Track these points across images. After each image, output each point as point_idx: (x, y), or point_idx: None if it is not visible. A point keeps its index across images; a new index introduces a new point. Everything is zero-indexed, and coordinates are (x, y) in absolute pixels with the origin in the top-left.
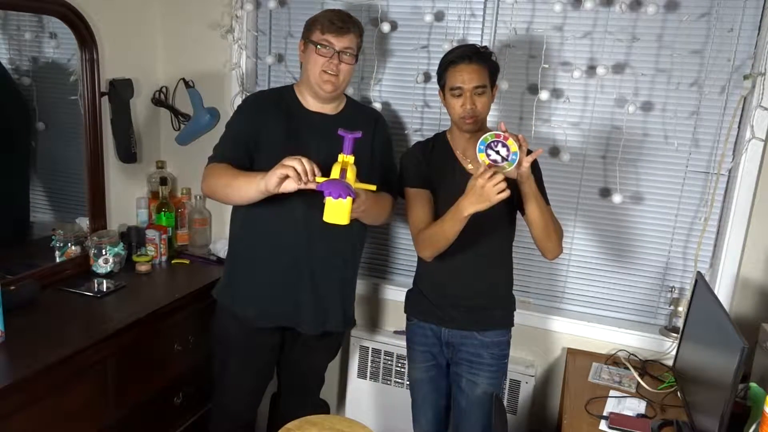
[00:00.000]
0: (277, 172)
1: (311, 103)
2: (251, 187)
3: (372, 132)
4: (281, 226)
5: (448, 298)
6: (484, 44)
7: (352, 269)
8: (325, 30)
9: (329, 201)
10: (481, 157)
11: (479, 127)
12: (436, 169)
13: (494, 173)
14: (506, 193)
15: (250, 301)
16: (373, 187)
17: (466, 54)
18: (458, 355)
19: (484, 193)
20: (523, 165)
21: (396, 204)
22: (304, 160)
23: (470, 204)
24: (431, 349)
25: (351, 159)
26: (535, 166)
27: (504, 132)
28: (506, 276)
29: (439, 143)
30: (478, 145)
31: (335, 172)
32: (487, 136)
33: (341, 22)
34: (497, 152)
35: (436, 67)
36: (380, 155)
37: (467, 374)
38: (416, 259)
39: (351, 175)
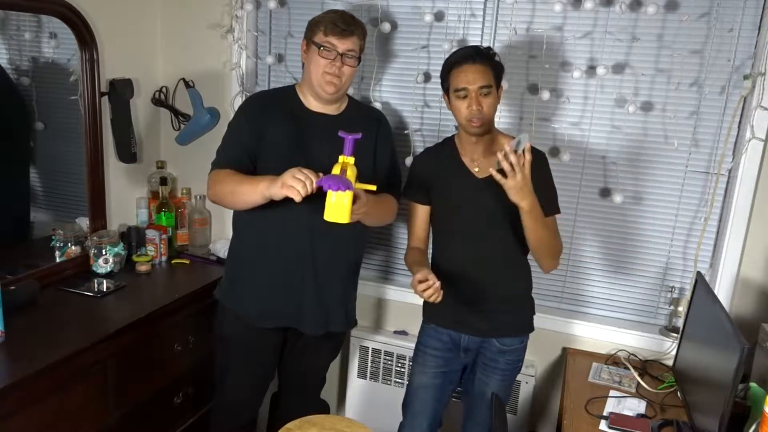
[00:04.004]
0: (282, 192)
1: (313, 104)
2: (257, 194)
3: (375, 133)
4: (284, 226)
5: (467, 304)
6: (486, 45)
7: (355, 269)
8: (328, 32)
9: (329, 199)
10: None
11: (487, 129)
12: (444, 175)
13: (428, 285)
14: (434, 298)
15: (252, 301)
16: (373, 187)
17: (469, 54)
18: (475, 358)
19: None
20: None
21: (399, 205)
22: (306, 172)
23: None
24: (444, 354)
25: (351, 160)
26: (542, 171)
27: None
28: (525, 280)
29: (446, 149)
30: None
31: (335, 172)
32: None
33: (344, 24)
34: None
35: (436, 67)
36: (383, 156)
37: (481, 375)
38: None
39: (351, 175)
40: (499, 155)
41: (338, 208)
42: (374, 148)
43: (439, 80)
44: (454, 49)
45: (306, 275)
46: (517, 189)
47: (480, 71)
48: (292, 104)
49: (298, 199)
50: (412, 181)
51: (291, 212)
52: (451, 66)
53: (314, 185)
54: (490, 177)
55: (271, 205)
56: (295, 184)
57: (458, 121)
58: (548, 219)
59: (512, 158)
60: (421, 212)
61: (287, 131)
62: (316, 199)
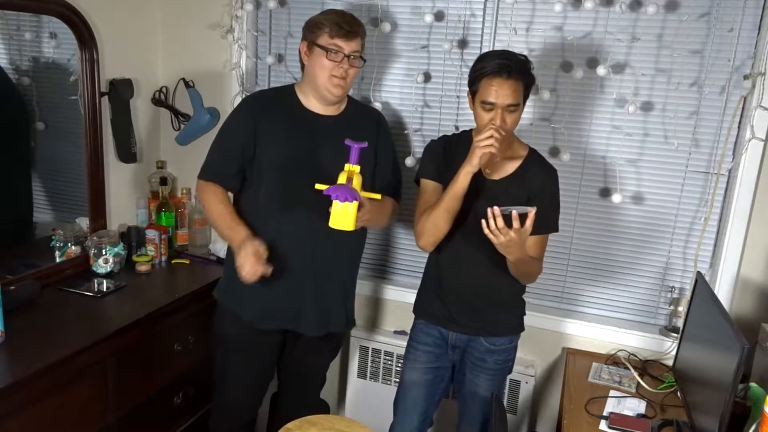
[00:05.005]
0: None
1: (314, 105)
2: (227, 240)
3: (375, 134)
4: (285, 228)
5: (457, 298)
6: (522, 53)
7: (354, 270)
8: (333, 34)
9: (335, 207)
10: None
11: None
12: (456, 167)
13: (491, 134)
14: (491, 149)
15: (252, 302)
16: (378, 197)
17: (504, 68)
18: (463, 356)
19: (473, 150)
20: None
21: (399, 207)
22: (253, 260)
23: (465, 165)
24: (434, 350)
25: (357, 168)
26: (551, 188)
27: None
28: (517, 283)
29: (463, 142)
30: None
31: (341, 180)
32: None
33: (349, 25)
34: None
35: (436, 67)
36: (384, 158)
37: (470, 374)
38: (417, 258)
39: (357, 184)
40: (489, 211)
41: (343, 216)
42: (375, 150)
43: (467, 79)
44: (454, 49)
45: (306, 277)
46: (502, 248)
47: (512, 88)
48: (292, 105)
49: (246, 281)
50: (427, 161)
51: (292, 215)
52: (482, 74)
53: (262, 273)
54: (500, 180)
55: (272, 208)
56: (241, 272)
57: (479, 127)
58: (540, 237)
59: (499, 222)
60: (438, 190)
61: (285, 132)
62: (318, 202)
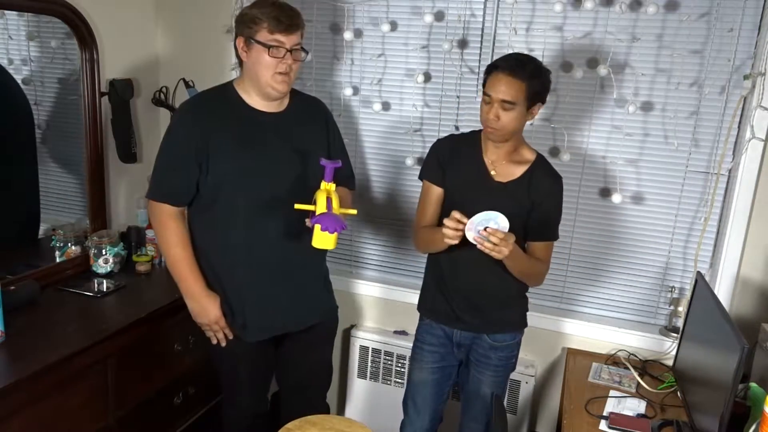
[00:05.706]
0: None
1: (258, 102)
2: (176, 282)
3: (325, 128)
4: (253, 236)
5: (461, 297)
6: (524, 53)
7: (324, 258)
8: (273, 29)
9: (318, 228)
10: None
11: (503, 139)
12: (462, 167)
13: (457, 223)
14: (451, 241)
15: (237, 316)
16: (354, 212)
17: (510, 64)
18: (468, 354)
19: (442, 236)
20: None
21: (355, 193)
22: (218, 333)
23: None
24: (440, 350)
25: (332, 186)
26: (555, 196)
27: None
28: (520, 282)
29: (470, 142)
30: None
31: (322, 201)
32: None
33: (288, 18)
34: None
35: (436, 67)
36: (337, 150)
37: (474, 371)
38: (417, 258)
39: (335, 204)
40: (476, 243)
41: (327, 237)
42: (327, 143)
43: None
44: (454, 49)
45: (282, 280)
46: (486, 252)
47: (511, 85)
48: (235, 104)
49: (214, 341)
50: (431, 161)
51: (261, 223)
52: (492, 67)
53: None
54: (506, 183)
55: (235, 220)
56: (208, 333)
57: (481, 122)
58: (545, 243)
59: (469, 235)
60: (436, 194)
61: (235, 135)
62: (280, 205)
